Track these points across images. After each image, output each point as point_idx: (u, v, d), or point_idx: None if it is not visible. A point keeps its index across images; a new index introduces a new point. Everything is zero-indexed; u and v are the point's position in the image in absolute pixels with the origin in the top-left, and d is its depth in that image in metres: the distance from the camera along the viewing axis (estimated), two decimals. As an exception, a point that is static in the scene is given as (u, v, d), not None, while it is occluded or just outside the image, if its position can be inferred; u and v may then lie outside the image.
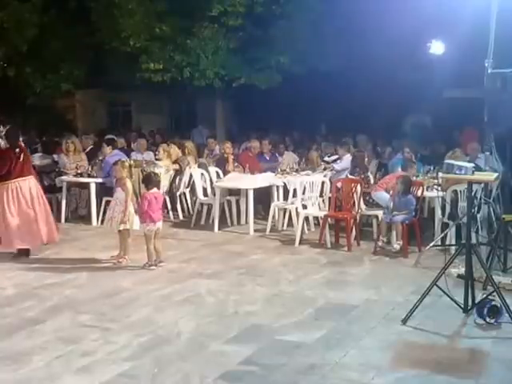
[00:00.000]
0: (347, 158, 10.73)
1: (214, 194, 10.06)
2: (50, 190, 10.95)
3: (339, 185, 9.21)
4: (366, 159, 10.67)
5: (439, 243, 8.00)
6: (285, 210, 9.82)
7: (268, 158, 12.07)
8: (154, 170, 10.49)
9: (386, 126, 17.39)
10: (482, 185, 7.07)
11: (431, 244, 7.87)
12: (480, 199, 7.34)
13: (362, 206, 9.13)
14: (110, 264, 7.58)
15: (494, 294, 5.48)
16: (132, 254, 7.71)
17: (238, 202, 10.31)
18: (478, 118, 7.19)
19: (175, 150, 11.47)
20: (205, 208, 10.43)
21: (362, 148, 11.97)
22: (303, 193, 9.33)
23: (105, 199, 9.77)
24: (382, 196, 8.99)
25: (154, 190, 7.50)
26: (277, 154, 12.47)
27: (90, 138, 12.96)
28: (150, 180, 7.59)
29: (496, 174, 6.06)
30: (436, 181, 8.31)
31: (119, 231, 7.66)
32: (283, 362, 4.63)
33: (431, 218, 9.11)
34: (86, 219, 10.37)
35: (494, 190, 7.02)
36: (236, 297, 6.29)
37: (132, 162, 8.15)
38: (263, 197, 10.48)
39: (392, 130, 17.18)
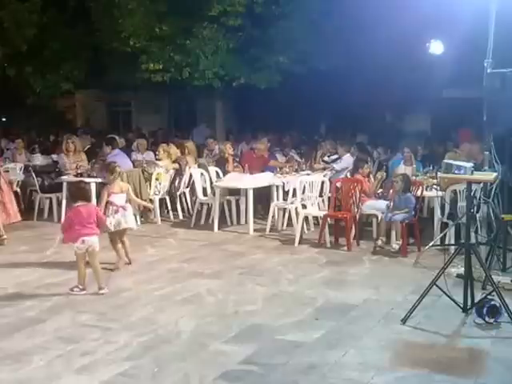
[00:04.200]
0: (347, 158, 10.75)
1: (214, 194, 10.07)
2: (51, 190, 10.99)
3: (339, 185, 9.22)
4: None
5: (438, 243, 8.01)
6: (284, 210, 9.83)
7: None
8: (154, 169, 10.54)
9: (385, 126, 17.42)
10: (481, 184, 7.08)
11: (431, 244, 7.87)
12: (479, 199, 7.35)
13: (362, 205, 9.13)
14: (110, 264, 7.58)
15: (494, 293, 5.49)
16: (131, 254, 7.72)
17: (237, 201, 10.32)
18: (477, 118, 7.20)
19: (175, 150, 11.48)
20: (205, 208, 10.44)
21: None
22: (303, 193, 9.34)
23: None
24: (370, 205, 8.99)
25: (80, 202, 6.54)
26: (276, 155, 12.44)
27: (88, 139, 12.99)
28: (75, 193, 6.81)
29: (495, 174, 6.08)
30: (435, 180, 8.32)
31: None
32: (283, 362, 4.64)
33: (431, 217, 9.11)
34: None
35: (494, 189, 7.02)
36: (236, 296, 6.30)
37: (122, 169, 7.99)
38: (263, 196, 10.49)
39: (391, 130, 17.23)
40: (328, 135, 15.93)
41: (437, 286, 5.59)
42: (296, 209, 9.27)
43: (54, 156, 12.73)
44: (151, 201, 10.43)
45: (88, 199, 6.73)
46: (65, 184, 10.47)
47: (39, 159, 12.81)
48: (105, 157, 10.54)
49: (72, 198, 6.87)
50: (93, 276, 6.49)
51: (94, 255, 6.49)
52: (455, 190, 8.21)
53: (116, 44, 15.98)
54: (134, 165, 10.76)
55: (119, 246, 7.49)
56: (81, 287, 6.47)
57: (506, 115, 6.70)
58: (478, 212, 7.47)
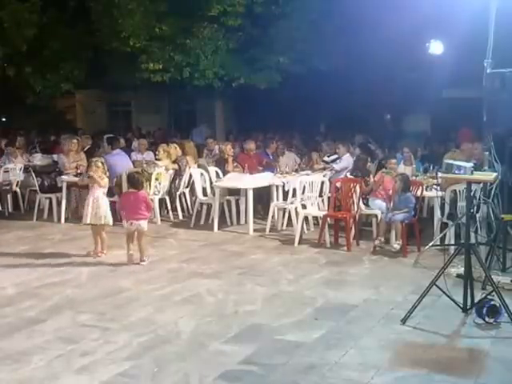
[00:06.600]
0: (346, 158, 10.76)
1: (214, 194, 10.07)
2: (50, 190, 10.99)
3: (338, 185, 9.22)
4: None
5: (438, 243, 8.01)
6: (284, 210, 9.83)
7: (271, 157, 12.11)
8: (153, 170, 10.54)
9: (383, 126, 17.42)
10: (481, 184, 7.08)
11: (430, 244, 7.87)
12: (479, 199, 7.35)
13: (362, 205, 9.13)
14: (110, 263, 7.60)
15: (493, 293, 5.49)
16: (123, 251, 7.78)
17: (237, 201, 10.32)
18: (477, 118, 7.20)
19: (175, 150, 11.48)
20: (204, 208, 10.44)
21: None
22: (302, 193, 9.34)
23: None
24: (378, 203, 9.03)
25: (131, 190, 7.80)
26: (270, 154, 12.39)
27: (88, 139, 13.01)
28: (127, 181, 8.16)
29: (495, 174, 6.08)
30: (435, 180, 8.32)
31: (93, 225, 7.99)
32: (283, 362, 4.64)
33: (430, 217, 9.11)
34: (86, 219, 10.36)
35: (494, 189, 7.03)
36: (236, 296, 6.30)
37: (101, 162, 8.24)
38: (263, 196, 10.50)
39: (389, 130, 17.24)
40: (328, 135, 15.95)
41: (437, 286, 5.59)
42: (296, 209, 9.26)
43: (55, 156, 12.75)
44: (151, 201, 10.43)
45: (137, 187, 7.69)
46: (64, 184, 10.48)
47: (39, 159, 12.81)
48: (104, 155, 10.56)
49: (127, 185, 8.21)
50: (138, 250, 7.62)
51: (140, 235, 7.62)
52: (455, 190, 8.21)
53: (116, 44, 15.98)
54: (134, 165, 10.76)
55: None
56: (132, 255, 7.59)
57: (505, 115, 6.72)
58: (477, 212, 7.47)
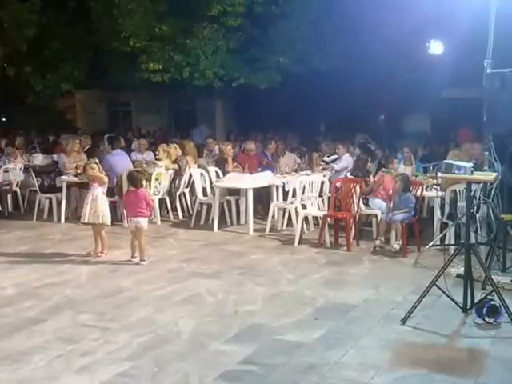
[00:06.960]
0: (346, 158, 10.76)
1: (214, 194, 10.07)
2: (50, 190, 10.99)
3: (338, 185, 9.22)
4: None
5: (438, 243, 8.01)
6: (284, 210, 9.83)
7: (270, 158, 12.10)
8: (153, 170, 10.54)
9: (382, 126, 17.40)
10: (481, 184, 7.08)
11: (430, 244, 7.87)
12: (479, 199, 7.35)
13: (362, 205, 9.13)
14: (110, 263, 7.61)
15: (493, 293, 5.49)
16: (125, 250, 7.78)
17: (237, 201, 10.32)
18: (476, 118, 7.20)
19: (175, 150, 11.48)
20: (204, 208, 10.44)
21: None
22: (303, 193, 9.34)
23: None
24: (378, 202, 9.03)
25: (131, 188, 7.99)
26: (269, 155, 12.37)
27: (88, 139, 13.02)
28: (127, 180, 8.53)
29: (495, 174, 6.08)
30: (435, 180, 8.32)
31: (93, 225, 8.02)
32: (283, 362, 4.64)
33: (430, 217, 9.11)
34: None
35: (493, 189, 7.02)
36: (236, 296, 6.30)
37: (95, 163, 8.25)
38: (263, 196, 10.49)
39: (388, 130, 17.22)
40: (328, 135, 15.94)
41: (437, 286, 5.59)
42: (296, 209, 9.26)
43: (55, 156, 12.75)
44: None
45: (136, 186, 7.83)
46: (64, 184, 10.48)
47: (39, 159, 12.81)
48: (103, 154, 10.56)
49: (128, 184, 8.52)
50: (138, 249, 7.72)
51: (140, 232, 7.70)
52: (455, 190, 8.21)
53: (116, 44, 15.99)
54: (133, 165, 10.77)
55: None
56: (134, 259, 7.71)
57: (505, 115, 6.71)
58: (477, 212, 7.47)
